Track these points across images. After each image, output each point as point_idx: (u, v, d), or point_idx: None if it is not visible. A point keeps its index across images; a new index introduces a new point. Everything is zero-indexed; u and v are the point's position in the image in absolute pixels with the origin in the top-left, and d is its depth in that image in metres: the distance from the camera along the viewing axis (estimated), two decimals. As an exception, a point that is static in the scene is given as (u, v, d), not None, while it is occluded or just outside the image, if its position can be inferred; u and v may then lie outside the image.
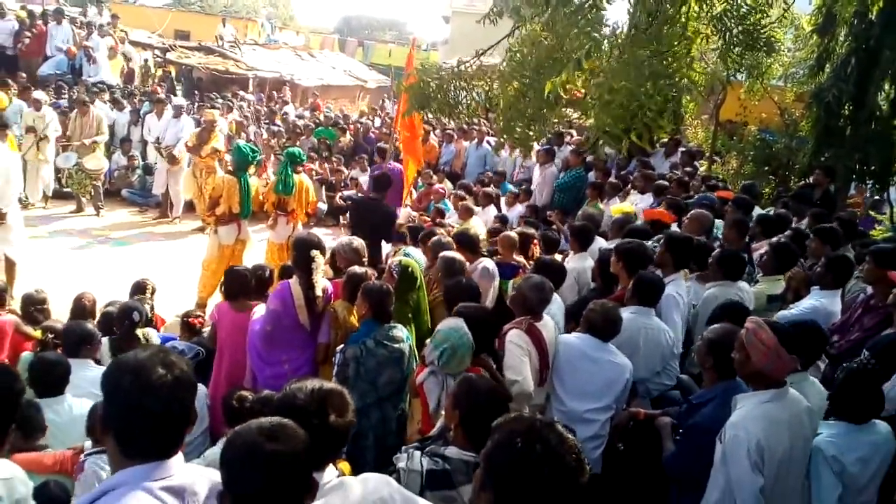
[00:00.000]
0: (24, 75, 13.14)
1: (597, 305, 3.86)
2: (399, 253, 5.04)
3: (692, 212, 6.01)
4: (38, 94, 11.07)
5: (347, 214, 9.53)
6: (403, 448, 2.80)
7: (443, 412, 2.98)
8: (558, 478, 1.61)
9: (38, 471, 3.16)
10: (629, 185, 8.92)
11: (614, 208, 7.21)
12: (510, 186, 11.02)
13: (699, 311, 4.68)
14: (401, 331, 4.01)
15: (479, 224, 8.39)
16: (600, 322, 3.78)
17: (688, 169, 9.85)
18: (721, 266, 4.75)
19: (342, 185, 12.62)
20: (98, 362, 4.45)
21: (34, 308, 5.47)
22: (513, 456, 1.63)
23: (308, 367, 4.44)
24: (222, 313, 4.82)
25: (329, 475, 2.03)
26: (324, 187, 12.16)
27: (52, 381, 3.72)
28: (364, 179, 12.20)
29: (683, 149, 11.20)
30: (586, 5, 3.16)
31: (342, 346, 3.97)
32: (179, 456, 1.80)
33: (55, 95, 12.21)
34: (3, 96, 9.98)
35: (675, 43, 2.92)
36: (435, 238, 5.48)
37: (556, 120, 4.23)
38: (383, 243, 7.26)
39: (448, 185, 11.26)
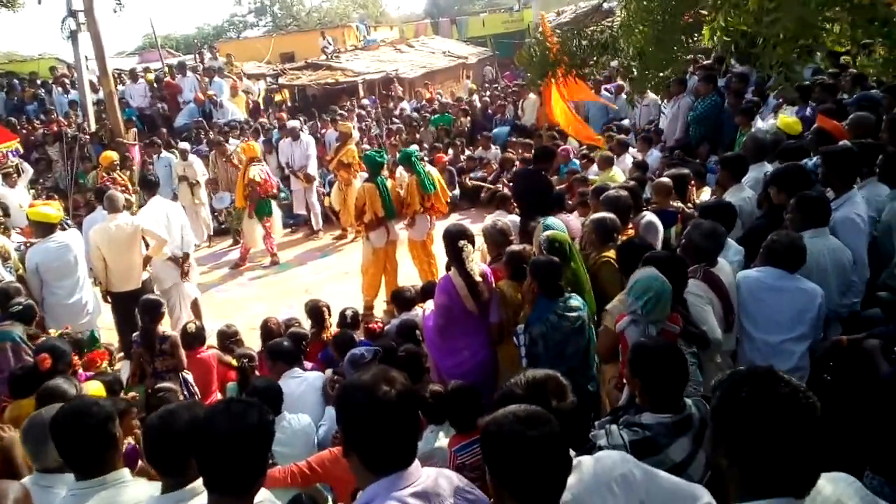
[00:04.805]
0: (164, 130, 14.22)
1: (780, 236, 3.67)
2: (539, 226, 4.88)
3: (850, 117, 5.54)
4: (182, 144, 11.91)
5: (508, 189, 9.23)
6: (598, 423, 2.79)
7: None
8: (794, 418, 1.54)
9: (273, 486, 3.43)
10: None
11: (782, 121, 6.53)
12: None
13: (890, 221, 4.27)
14: (576, 300, 4.02)
15: (620, 174, 8.15)
16: (785, 253, 3.60)
17: (832, 70, 8.97)
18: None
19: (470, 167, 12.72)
20: None
21: (229, 341, 5.97)
22: (741, 406, 1.59)
23: (485, 349, 4.52)
24: None
25: None
26: (455, 172, 12.30)
27: (269, 405, 4.02)
28: (491, 156, 12.21)
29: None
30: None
31: (522, 326, 3.98)
32: (416, 462, 1.91)
33: (194, 143, 13.05)
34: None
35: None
36: (610, 192, 5.10)
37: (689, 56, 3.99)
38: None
39: (573, 143, 10.98)
